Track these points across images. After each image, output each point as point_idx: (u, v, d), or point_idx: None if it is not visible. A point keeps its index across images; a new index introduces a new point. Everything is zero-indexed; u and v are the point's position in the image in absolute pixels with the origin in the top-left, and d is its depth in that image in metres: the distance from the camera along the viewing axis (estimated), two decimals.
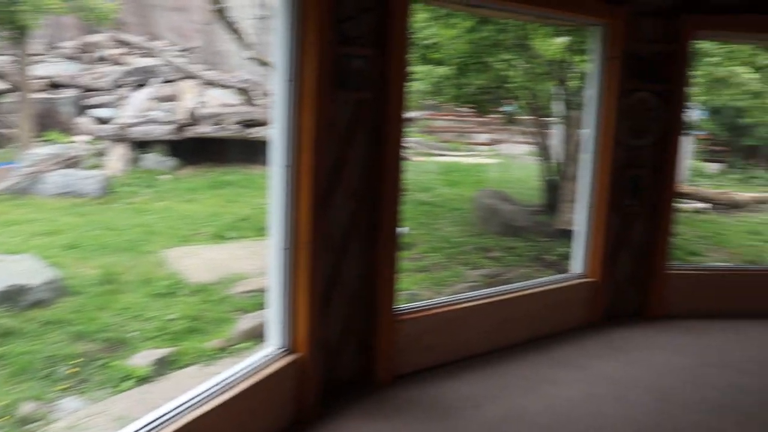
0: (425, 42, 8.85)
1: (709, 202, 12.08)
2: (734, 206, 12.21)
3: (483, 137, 20.64)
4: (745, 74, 9.80)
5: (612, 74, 5.34)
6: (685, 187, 12.25)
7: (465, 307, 4.73)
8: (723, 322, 5.83)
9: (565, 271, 6.05)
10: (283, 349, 3.77)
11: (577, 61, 8.39)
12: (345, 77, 3.85)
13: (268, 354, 3.72)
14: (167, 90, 14.50)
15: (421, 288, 6.96)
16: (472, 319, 4.77)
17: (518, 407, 4.12)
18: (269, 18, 15.04)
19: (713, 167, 17.16)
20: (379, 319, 4.20)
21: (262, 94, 14.22)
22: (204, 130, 13.16)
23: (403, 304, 4.51)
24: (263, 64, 11.85)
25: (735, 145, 18.27)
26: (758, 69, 10.06)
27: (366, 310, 4.21)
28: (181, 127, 13.05)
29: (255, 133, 13.16)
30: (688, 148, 14.22)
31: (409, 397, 4.18)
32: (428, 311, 4.56)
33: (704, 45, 9.10)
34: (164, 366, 4.97)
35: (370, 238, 4.15)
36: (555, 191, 9.56)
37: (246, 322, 5.60)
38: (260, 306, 5.62)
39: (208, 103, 13.96)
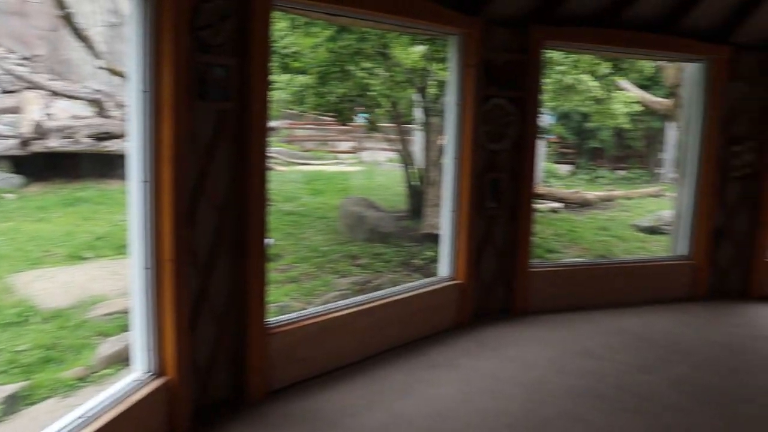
0: (286, 51, 8.79)
1: (563, 202, 12.81)
2: (585, 204, 13.02)
3: (346, 145, 20.80)
4: (589, 82, 10.48)
5: (469, 82, 5.52)
6: (540, 189, 12.92)
7: (337, 317, 4.70)
8: (581, 313, 6.19)
9: (432, 274, 6.17)
10: (150, 373, 3.58)
11: (436, 69, 8.62)
12: (205, 87, 3.73)
13: (134, 379, 3.52)
14: (8, 101, 13.50)
15: (291, 299, 6.88)
16: (345, 328, 4.75)
17: (397, 412, 4.15)
18: (121, 25, 14.38)
19: (564, 169, 18.24)
20: (250, 334, 4.09)
21: (117, 106, 13.56)
22: (53, 144, 12.37)
23: (273, 317, 4.42)
24: (116, 73, 11.30)
25: (582, 147, 19.52)
26: (600, 77, 10.80)
27: (236, 325, 4.09)
28: (26, 142, 12.19)
29: (110, 146, 12.53)
30: (541, 151, 15.01)
31: (285, 411, 4.09)
32: (300, 323, 4.49)
33: (553, 54, 9.64)
34: (16, 403, 4.57)
35: (238, 251, 4.03)
36: (419, 196, 9.76)
37: (108, 347, 5.28)
38: (123, 329, 5.33)
39: (56, 116, 13.12)
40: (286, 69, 9.14)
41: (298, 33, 8.58)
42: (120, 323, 5.61)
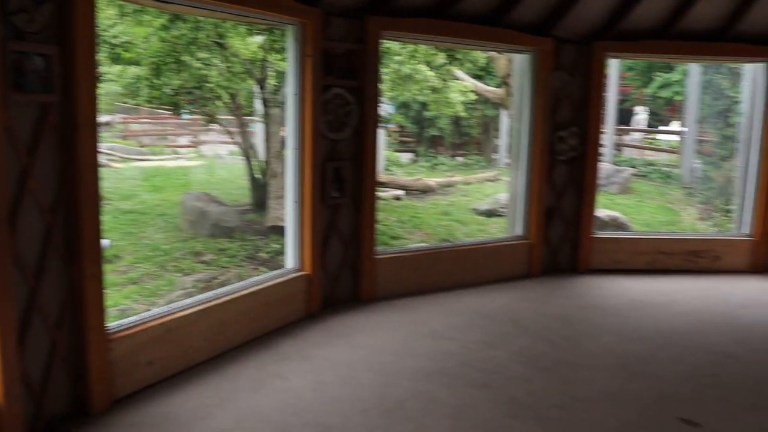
0: (116, 40, 8.34)
1: (405, 189, 13.12)
2: (426, 191, 13.42)
3: (185, 139, 20.12)
4: (426, 72, 10.80)
5: (308, 72, 5.49)
6: (383, 177, 13.16)
7: (182, 316, 4.53)
8: (427, 296, 6.40)
9: (280, 267, 6.12)
10: None
11: (275, 59, 8.52)
12: (22, 78, 3.42)
13: None
14: None
15: (133, 302, 6.56)
16: (192, 327, 4.59)
17: (250, 408, 4.07)
18: None
19: (405, 157, 18.70)
20: (88, 341, 3.85)
21: None
22: None
23: (114, 322, 4.19)
24: None
25: (422, 135, 20.10)
26: (436, 67, 11.16)
27: (73, 333, 3.83)
28: None
29: None
30: (382, 140, 15.30)
31: (132, 420, 3.89)
32: (143, 325, 4.28)
33: (391, 45, 9.83)
34: None
35: (71, 254, 3.77)
36: (263, 189, 9.64)
37: None
38: None
39: None
40: (117, 60, 8.68)
41: (128, 21, 8.16)
42: None
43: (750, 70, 8.02)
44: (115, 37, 8.43)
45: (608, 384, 4.61)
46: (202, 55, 8.61)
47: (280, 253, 6.38)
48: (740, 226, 7.99)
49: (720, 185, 12.20)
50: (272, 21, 5.64)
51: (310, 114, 5.53)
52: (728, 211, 10.42)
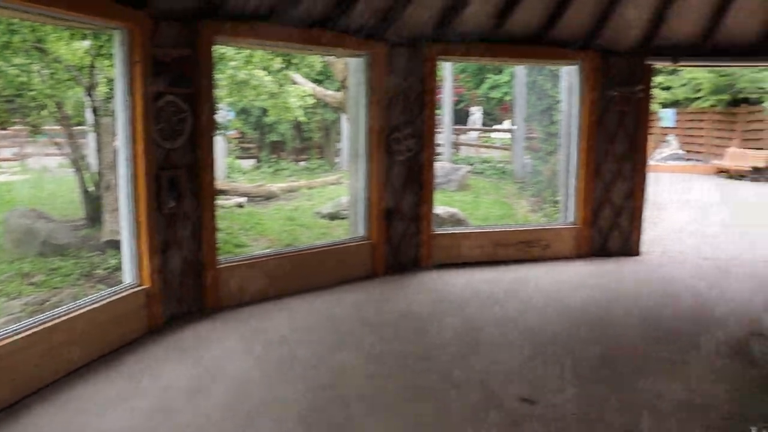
0: None
1: (247, 196, 12.95)
2: (269, 197, 13.32)
3: (6, 152, 18.65)
4: (263, 77, 10.71)
5: (138, 79, 5.28)
6: (224, 184, 12.92)
7: (8, 343, 4.20)
8: (275, 302, 6.37)
9: (119, 283, 5.84)
10: None
11: (104, 65, 8.12)
12: None
13: None
14: None
15: None
16: (20, 354, 4.27)
17: None
18: None
19: (247, 163, 18.45)
20: None
21: None
22: None
23: None
24: None
25: (263, 141, 19.93)
26: (273, 72, 11.10)
27: None
28: None
29: None
30: (221, 147, 14.99)
31: None
32: None
33: (226, 50, 9.65)
34: None
35: None
36: (96, 202, 9.15)
37: None
38: None
39: None
40: None
41: None
42: None
43: (566, 72, 8.67)
44: None
45: (453, 372, 4.81)
46: (18, 60, 8.02)
47: (119, 268, 6.08)
48: (566, 215, 8.63)
49: (547, 178, 13.07)
50: (94, 25, 5.37)
51: (142, 123, 5.32)
52: (555, 202, 11.18)
